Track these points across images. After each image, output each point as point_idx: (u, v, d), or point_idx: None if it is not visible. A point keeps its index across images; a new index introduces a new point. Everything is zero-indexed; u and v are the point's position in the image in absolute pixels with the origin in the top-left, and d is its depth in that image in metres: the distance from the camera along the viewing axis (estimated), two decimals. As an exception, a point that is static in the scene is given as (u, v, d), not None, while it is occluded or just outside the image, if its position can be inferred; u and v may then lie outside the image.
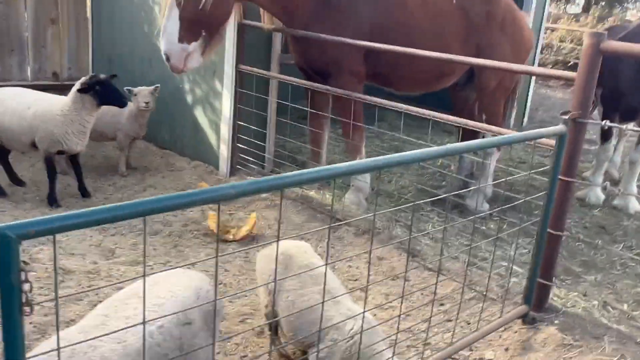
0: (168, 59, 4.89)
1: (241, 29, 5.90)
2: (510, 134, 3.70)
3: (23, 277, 1.59)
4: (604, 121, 3.69)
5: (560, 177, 3.71)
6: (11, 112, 5.50)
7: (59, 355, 1.80)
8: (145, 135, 6.78)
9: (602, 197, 6.88)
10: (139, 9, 7.11)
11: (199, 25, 4.76)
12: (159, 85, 6.41)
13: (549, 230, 3.82)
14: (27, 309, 1.60)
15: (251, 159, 6.14)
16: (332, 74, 5.56)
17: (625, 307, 4.42)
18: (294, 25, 5.47)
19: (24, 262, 1.61)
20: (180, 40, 4.75)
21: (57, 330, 1.80)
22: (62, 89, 7.75)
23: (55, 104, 5.53)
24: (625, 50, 3.52)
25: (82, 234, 5.01)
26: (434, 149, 2.82)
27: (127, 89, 6.26)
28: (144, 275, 1.99)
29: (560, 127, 3.62)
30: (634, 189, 6.76)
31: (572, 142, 3.67)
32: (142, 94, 6.31)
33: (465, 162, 6.53)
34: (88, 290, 3.99)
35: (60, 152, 5.65)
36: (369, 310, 3.95)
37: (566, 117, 3.64)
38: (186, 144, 6.82)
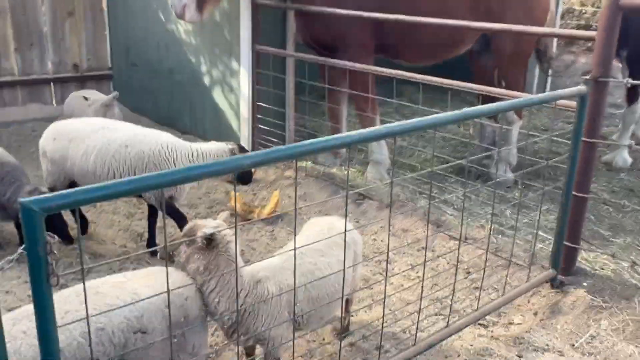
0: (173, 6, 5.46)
1: (255, 9, 5.88)
2: (529, 96, 3.65)
3: (48, 249, 1.64)
4: (626, 79, 3.61)
5: (583, 138, 3.66)
6: (98, 151, 4.27)
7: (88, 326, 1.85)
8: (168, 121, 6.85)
9: (630, 160, 6.74)
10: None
11: None
12: (117, 93, 6.21)
13: (573, 193, 3.77)
14: (54, 279, 1.65)
15: (272, 138, 6.16)
16: (340, 48, 5.56)
17: (655, 267, 4.36)
18: None
19: (49, 234, 1.66)
20: None
21: (86, 300, 1.84)
22: (83, 81, 7.89)
23: (158, 140, 4.32)
24: (645, 4, 3.43)
25: (110, 221, 5.10)
26: (450, 113, 2.80)
27: (83, 97, 6.02)
28: (166, 266, 2.03)
29: (581, 88, 3.56)
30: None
31: (594, 103, 3.60)
32: (94, 107, 5.87)
33: (487, 131, 6.45)
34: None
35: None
36: (392, 276, 3.93)
37: (587, 77, 3.57)
38: (207, 127, 6.86)
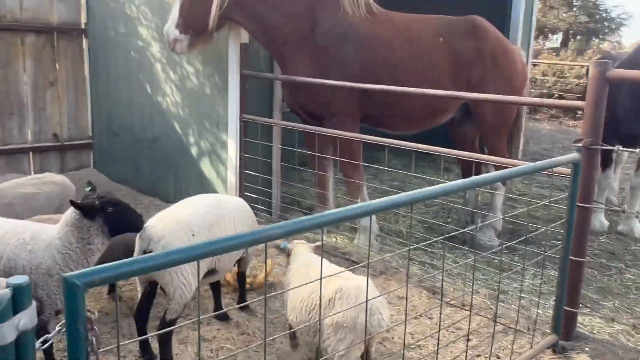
0: (166, 37, 5.84)
1: (243, 79, 6.00)
2: (524, 164, 3.76)
3: (89, 325, 1.58)
4: (617, 146, 3.76)
5: (578, 204, 3.76)
6: None
7: None
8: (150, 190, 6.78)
9: (607, 223, 6.93)
10: (136, 64, 7.22)
11: (187, 23, 5.67)
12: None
13: (571, 257, 3.84)
14: (93, 357, 1.58)
15: (259, 206, 6.15)
16: (326, 117, 5.69)
17: (649, 330, 4.40)
18: (272, 50, 5.88)
19: (89, 310, 1.60)
20: (177, 27, 5.70)
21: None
22: (62, 150, 7.82)
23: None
24: (630, 76, 3.63)
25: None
26: (460, 182, 2.87)
27: None
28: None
29: (574, 155, 3.69)
30: (638, 213, 6.82)
31: (586, 169, 3.74)
32: None
33: (470, 196, 6.57)
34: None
35: None
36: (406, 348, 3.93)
37: (579, 144, 3.71)
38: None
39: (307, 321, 3.33)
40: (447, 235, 5.17)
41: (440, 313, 3.39)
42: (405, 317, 2.87)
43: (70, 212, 3.37)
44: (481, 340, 4.15)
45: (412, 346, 4.19)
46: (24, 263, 3.31)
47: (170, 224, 3.76)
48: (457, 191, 2.79)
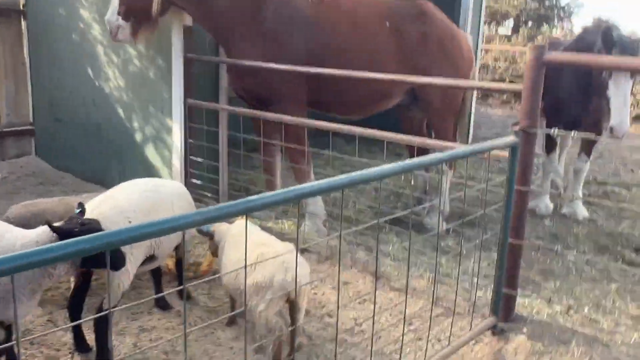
0: (108, 26, 5.66)
1: (187, 63, 5.86)
2: (464, 147, 3.78)
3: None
4: (553, 128, 3.81)
5: (516, 187, 3.79)
6: None
7: None
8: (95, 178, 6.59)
9: (551, 206, 7.08)
10: (78, 47, 6.97)
11: (129, 9, 5.49)
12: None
13: (510, 240, 3.88)
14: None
15: (206, 193, 6.04)
16: (272, 102, 5.61)
17: (586, 310, 4.51)
18: (217, 34, 5.75)
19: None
20: (119, 14, 5.51)
21: None
22: (2, 136, 7.52)
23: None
24: (566, 60, 3.66)
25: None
26: (397, 164, 2.85)
27: None
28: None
29: (511, 138, 3.72)
30: (580, 195, 6.99)
31: (524, 152, 3.77)
32: None
33: (418, 181, 6.61)
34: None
35: None
36: (344, 331, 3.94)
37: (516, 128, 3.74)
38: (137, 183, 6.65)
39: (236, 284, 3.75)
40: (384, 219, 5.22)
41: (375, 296, 3.38)
42: (338, 303, 2.84)
43: (45, 231, 2.97)
44: (423, 324, 4.18)
45: (355, 331, 4.20)
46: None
47: (106, 211, 3.64)
48: (391, 174, 2.77)
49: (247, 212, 2.15)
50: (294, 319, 3.72)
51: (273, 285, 3.56)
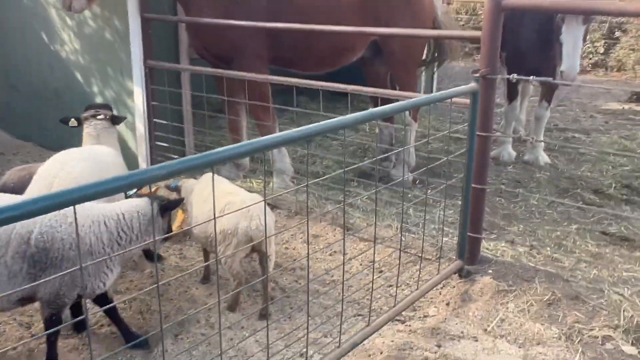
0: None
1: (145, 23, 5.72)
2: (426, 96, 3.82)
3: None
4: (512, 75, 3.87)
5: (477, 132, 3.87)
6: None
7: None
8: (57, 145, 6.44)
9: (514, 153, 7.24)
10: (31, 13, 6.73)
11: None
12: None
13: (473, 185, 3.97)
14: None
15: (172, 155, 5.98)
16: (233, 59, 5.55)
17: (548, 250, 4.69)
18: None
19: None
20: None
21: None
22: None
23: None
24: (524, 4, 3.70)
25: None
26: (358, 114, 2.87)
27: None
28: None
29: (472, 85, 3.77)
30: (542, 143, 7.15)
31: (484, 99, 3.83)
32: None
33: (384, 135, 6.66)
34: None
35: None
36: (312, 280, 4.03)
37: (477, 75, 3.79)
38: (101, 149, 6.55)
39: (206, 234, 3.84)
40: (348, 168, 5.25)
41: (344, 247, 3.45)
42: (308, 254, 2.90)
43: (149, 203, 3.26)
44: (392, 270, 4.29)
45: (327, 281, 4.29)
46: (64, 237, 2.97)
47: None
48: (353, 124, 2.80)
49: (212, 164, 2.16)
50: (263, 268, 3.85)
51: (238, 232, 3.71)
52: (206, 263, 4.29)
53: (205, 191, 4.04)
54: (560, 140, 8.11)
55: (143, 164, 6.11)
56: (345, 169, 2.93)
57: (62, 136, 6.89)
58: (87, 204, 2.96)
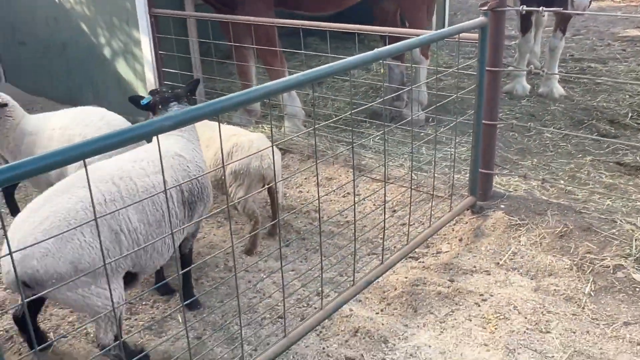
0: None
1: (147, -30, 5.62)
2: (434, 32, 3.75)
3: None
4: (522, 6, 3.78)
5: (487, 68, 3.81)
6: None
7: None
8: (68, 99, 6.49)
9: (528, 87, 7.12)
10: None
11: None
12: None
13: (483, 121, 3.95)
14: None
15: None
16: (239, 4, 5.46)
17: (562, 183, 4.68)
18: None
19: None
20: None
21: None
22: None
23: None
24: None
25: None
26: (364, 54, 2.85)
27: None
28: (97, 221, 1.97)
29: (481, 19, 3.69)
30: (556, 74, 7.02)
31: (494, 32, 3.75)
32: None
33: (395, 74, 6.58)
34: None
35: None
36: (324, 222, 4.08)
37: (485, 8, 3.70)
38: (112, 101, 6.57)
39: (215, 176, 3.87)
40: (357, 110, 5.23)
41: (354, 185, 3.49)
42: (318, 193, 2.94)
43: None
44: (405, 209, 4.33)
45: (341, 223, 4.35)
46: (200, 163, 3.19)
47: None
48: (361, 64, 2.78)
49: (217, 113, 2.18)
50: (273, 201, 4.06)
51: (250, 172, 3.80)
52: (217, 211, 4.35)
53: (204, 136, 3.97)
54: (576, 71, 7.95)
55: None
56: (354, 110, 2.93)
57: (71, 89, 6.94)
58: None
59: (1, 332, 3.27)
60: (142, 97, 3.32)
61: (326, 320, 3.17)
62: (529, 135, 5.82)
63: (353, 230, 3.45)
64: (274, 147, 3.84)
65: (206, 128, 4.04)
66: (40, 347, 2.95)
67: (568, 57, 8.55)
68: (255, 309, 3.40)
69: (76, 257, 2.48)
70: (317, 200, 2.97)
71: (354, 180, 3.28)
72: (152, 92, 3.38)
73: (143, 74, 6.07)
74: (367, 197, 4.52)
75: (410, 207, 3.71)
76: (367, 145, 5.52)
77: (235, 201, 3.89)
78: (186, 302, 3.31)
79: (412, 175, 4.47)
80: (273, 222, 4.09)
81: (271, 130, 2.69)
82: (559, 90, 6.92)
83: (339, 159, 5.10)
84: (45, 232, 2.47)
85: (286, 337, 2.79)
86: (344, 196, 4.70)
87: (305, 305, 3.43)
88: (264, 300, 3.47)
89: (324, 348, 3.03)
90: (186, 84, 3.44)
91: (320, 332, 3.16)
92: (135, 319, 3.38)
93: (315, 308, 3.30)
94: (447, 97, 5.10)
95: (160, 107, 3.26)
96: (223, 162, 2.35)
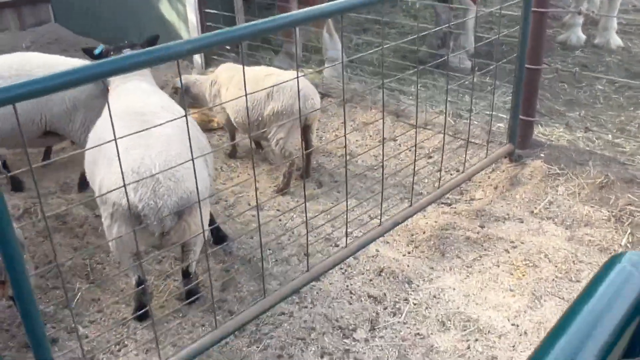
0: None
1: None
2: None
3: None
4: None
5: (533, 9, 3.63)
6: None
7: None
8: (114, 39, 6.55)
9: (583, 37, 6.77)
10: None
11: None
12: None
13: (526, 65, 3.79)
14: (2, 177, 1.62)
15: (225, 46, 5.99)
16: None
17: (609, 136, 4.48)
18: None
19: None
20: None
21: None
22: (18, 5, 7.46)
23: None
24: None
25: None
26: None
27: None
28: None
29: (529, -45, 3.50)
30: (614, 24, 6.65)
31: (542, -30, 3.56)
32: None
33: (442, 20, 6.36)
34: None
35: None
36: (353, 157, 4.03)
37: (534, -57, 3.50)
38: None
39: (251, 117, 3.84)
40: (383, 46, 5.02)
41: (383, 130, 3.42)
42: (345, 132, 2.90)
43: None
44: (440, 155, 4.24)
45: (375, 167, 4.31)
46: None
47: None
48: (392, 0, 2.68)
49: (241, 39, 2.15)
50: (308, 141, 4.01)
51: (293, 112, 3.74)
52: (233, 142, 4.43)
53: (235, 79, 3.99)
54: (637, 23, 7.50)
55: (197, 56, 6.16)
56: (383, 47, 2.84)
57: (117, 30, 7.01)
58: None
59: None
60: (94, 48, 3.26)
61: (352, 260, 3.19)
62: (579, 86, 5.56)
63: (387, 175, 3.42)
64: (313, 88, 3.91)
65: (235, 70, 4.06)
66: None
67: (630, 8, 8.06)
68: (283, 246, 3.44)
69: (200, 179, 2.52)
70: (344, 137, 2.93)
71: (382, 120, 3.21)
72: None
73: (185, 15, 6.07)
74: (404, 142, 4.45)
75: (442, 152, 3.64)
76: (407, 91, 5.40)
77: (272, 142, 3.89)
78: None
79: (448, 120, 4.36)
80: (306, 164, 4.08)
81: (296, 63, 2.64)
82: (616, 41, 6.56)
83: (377, 104, 5.01)
84: (178, 156, 2.56)
85: (309, 272, 2.82)
86: (379, 141, 4.64)
87: (333, 245, 3.45)
88: (293, 239, 3.50)
89: (347, 286, 3.05)
90: (145, 40, 3.41)
91: (346, 270, 3.18)
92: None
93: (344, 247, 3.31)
94: (489, 37, 4.92)
95: (112, 54, 3.21)
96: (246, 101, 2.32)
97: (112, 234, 2.61)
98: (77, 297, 3.09)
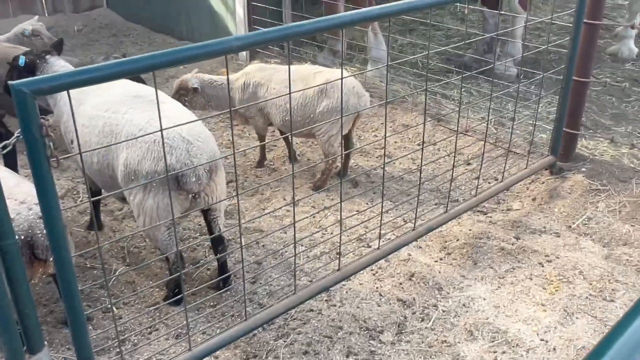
0: None
1: None
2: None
3: (44, 130, 1.66)
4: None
5: (585, 20, 3.57)
6: None
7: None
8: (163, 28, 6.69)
9: (636, 50, 6.61)
10: None
11: None
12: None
13: (574, 77, 3.72)
14: (54, 160, 1.68)
15: (270, 40, 6.03)
16: None
17: (655, 152, 4.37)
18: None
19: (43, 118, 1.67)
20: None
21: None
22: None
23: None
24: None
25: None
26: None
27: None
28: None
29: (584, -35, 3.43)
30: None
31: (597, -19, 3.49)
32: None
33: (489, 25, 6.28)
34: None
35: None
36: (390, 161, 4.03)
37: (590, -47, 3.44)
38: (203, 33, 6.73)
39: (299, 117, 3.88)
40: (431, 52, 4.99)
41: (423, 130, 3.41)
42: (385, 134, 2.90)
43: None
44: (479, 163, 4.20)
45: (413, 170, 4.30)
46: None
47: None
48: (437, 4, 2.68)
49: (289, 38, 2.18)
50: (349, 140, 4.07)
51: (348, 109, 3.75)
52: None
53: (275, 76, 3.96)
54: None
55: (242, 48, 6.22)
56: (429, 51, 2.83)
57: (167, 18, 7.14)
58: None
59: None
60: (18, 58, 3.34)
61: (384, 262, 3.19)
62: (628, 101, 5.44)
63: (424, 179, 3.40)
64: (361, 86, 3.94)
65: (275, 68, 4.12)
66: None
67: (687, 22, 7.81)
68: (316, 243, 3.46)
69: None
70: (389, 146, 2.94)
71: (424, 124, 3.20)
72: (15, 58, 3.37)
73: (233, 8, 6.15)
74: (440, 144, 4.42)
75: (482, 159, 3.61)
76: (450, 96, 5.36)
77: (323, 139, 3.89)
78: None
79: (489, 127, 4.31)
80: (344, 162, 4.10)
81: (341, 59, 2.65)
82: (669, 55, 6.39)
83: (419, 107, 4.99)
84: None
85: (340, 271, 2.84)
86: (418, 144, 4.62)
87: (366, 246, 3.46)
88: (326, 237, 3.52)
89: (377, 287, 3.06)
90: (51, 44, 3.76)
91: (376, 272, 3.19)
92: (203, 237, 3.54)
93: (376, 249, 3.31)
94: (538, 46, 4.84)
95: (38, 62, 3.33)
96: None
97: (145, 207, 2.70)
98: (113, 279, 3.18)
